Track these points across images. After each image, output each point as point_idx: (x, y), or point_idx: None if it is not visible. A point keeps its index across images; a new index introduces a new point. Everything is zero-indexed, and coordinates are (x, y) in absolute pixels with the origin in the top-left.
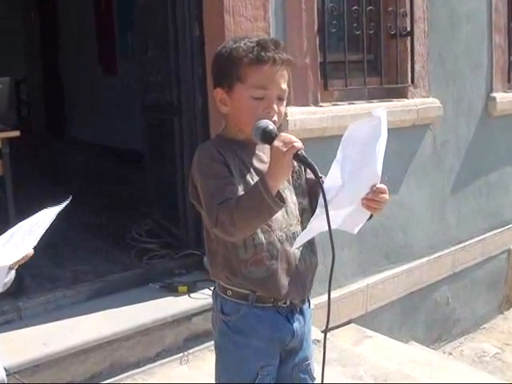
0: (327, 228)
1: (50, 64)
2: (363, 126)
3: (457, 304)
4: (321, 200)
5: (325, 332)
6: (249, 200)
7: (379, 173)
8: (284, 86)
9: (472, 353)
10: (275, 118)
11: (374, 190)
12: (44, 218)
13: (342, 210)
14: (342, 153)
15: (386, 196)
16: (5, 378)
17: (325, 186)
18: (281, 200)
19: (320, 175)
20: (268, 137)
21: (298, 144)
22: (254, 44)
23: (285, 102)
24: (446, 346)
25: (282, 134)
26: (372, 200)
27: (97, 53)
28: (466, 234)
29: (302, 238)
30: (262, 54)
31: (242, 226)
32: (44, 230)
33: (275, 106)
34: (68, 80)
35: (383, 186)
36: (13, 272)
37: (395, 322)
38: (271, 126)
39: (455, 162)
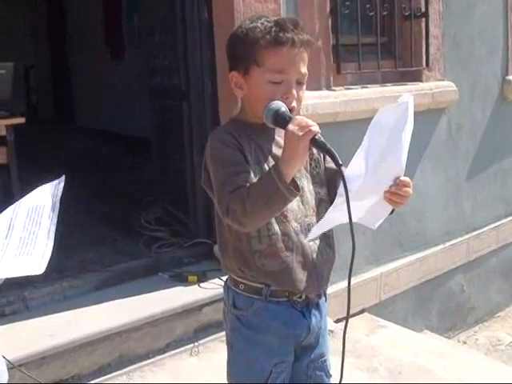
0: (345, 220)
1: (58, 51)
2: (391, 111)
3: (471, 292)
4: (341, 189)
5: (343, 334)
6: (261, 188)
7: (404, 164)
8: (304, 69)
9: (487, 341)
10: (294, 103)
11: (398, 183)
12: (42, 200)
13: (363, 202)
14: (369, 139)
15: (410, 190)
16: (4, 372)
17: (346, 173)
18: (296, 188)
19: (340, 162)
20: (281, 120)
21: (316, 128)
22: (272, 24)
23: (304, 87)
24: (460, 335)
25: (298, 117)
26: (395, 193)
27: (104, 38)
28: (480, 221)
29: (318, 229)
30: (281, 34)
31: (254, 216)
32: (54, 222)
33: (294, 91)
34: (76, 66)
35: (407, 179)
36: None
37: (409, 310)
38: (284, 108)
39: (470, 146)
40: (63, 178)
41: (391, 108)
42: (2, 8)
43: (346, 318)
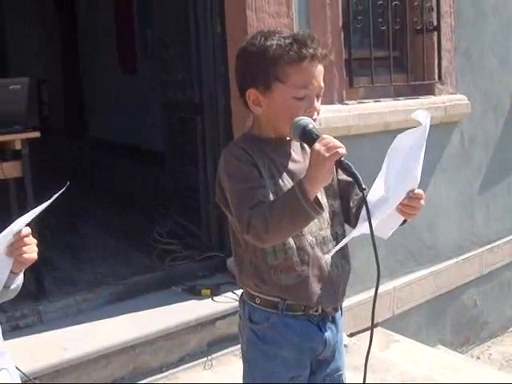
0: (357, 233)
1: (70, 63)
2: (409, 135)
3: (484, 307)
4: (364, 213)
5: (368, 349)
6: (284, 204)
7: (418, 178)
8: (322, 83)
9: (500, 356)
10: (315, 116)
11: (411, 196)
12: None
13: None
14: (387, 165)
15: (423, 202)
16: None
17: (368, 198)
18: (319, 206)
19: (364, 187)
20: (308, 136)
21: (342, 150)
22: (291, 40)
23: (320, 99)
24: (473, 350)
25: (325, 136)
26: (407, 205)
27: (116, 51)
28: (494, 234)
29: (338, 246)
30: (303, 50)
31: (276, 232)
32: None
33: (316, 105)
34: (87, 79)
35: (420, 192)
36: (20, 277)
37: (422, 325)
38: (311, 125)
39: (483, 159)
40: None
41: (409, 132)
42: (16, 21)
43: (371, 333)
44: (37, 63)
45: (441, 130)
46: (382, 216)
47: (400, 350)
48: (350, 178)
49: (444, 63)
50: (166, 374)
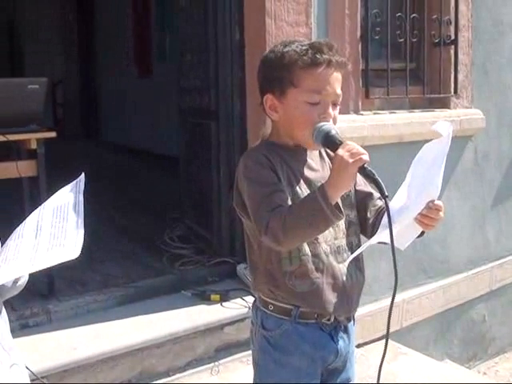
0: (373, 241)
1: (87, 66)
2: (433, 145)
3: (493, 322)
4: (384, 222)
5: (381, 363)
6: (304, 208)
7: (439, 189)
8: (339, 90)
9: (507, 373)
10: (330, 123)
11: (430, 207)
12: (65, 198)
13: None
14: (412, 175)
15: (442, 213)
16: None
17: (390, 207)
18: (339, 211)
19: (386, 194)
20: (331, 142)
21: (366, 157)
22: (307, 47)
23: (338, 108)
24: (480, 365)
25: (348, 142)
26: (426, 216)
27: (132, 54)
28: (504, 250)
29: (355, 254)
30: (318, 56)
31: (294, 235)
32: (81, 214)
33: (331, 111)
34: (103, 82)
35: (440, 203)
36: (26, 274)
37: (430, 338)
38: (334, 131)
39: (496, 175)
40: (83, 175)
41: (434, 143)
42: (34, 22)
43: (385, 344)
44: (53, 64)
45: (455, 144)
46: (401, 225)
47: (407, 363)
48: (368, 190)
49: (460, 77)
50: (172, 378)
